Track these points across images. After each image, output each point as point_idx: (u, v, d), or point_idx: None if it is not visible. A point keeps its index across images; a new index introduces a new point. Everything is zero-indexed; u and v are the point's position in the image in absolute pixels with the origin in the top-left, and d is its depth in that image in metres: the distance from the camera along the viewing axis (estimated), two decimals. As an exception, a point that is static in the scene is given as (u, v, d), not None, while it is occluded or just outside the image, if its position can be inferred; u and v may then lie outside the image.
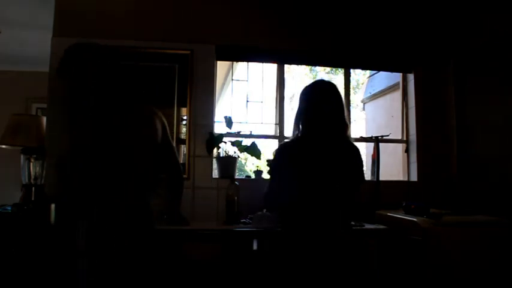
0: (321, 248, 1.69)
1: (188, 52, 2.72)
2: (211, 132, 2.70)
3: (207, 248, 2.11)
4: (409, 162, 3.09)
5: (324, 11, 2.95)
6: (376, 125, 4.83)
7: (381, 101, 4.91)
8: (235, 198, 2.42)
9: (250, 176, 3.03)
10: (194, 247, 2.09)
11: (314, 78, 7.92)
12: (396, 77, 3.39)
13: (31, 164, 2.45)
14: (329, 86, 1.89)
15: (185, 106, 2.71)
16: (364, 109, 5.75)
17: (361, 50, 3.00)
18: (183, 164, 2.63)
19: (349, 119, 2.67)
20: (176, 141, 2.68)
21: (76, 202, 1.51)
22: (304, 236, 1.72)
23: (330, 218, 1.75)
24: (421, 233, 2.14)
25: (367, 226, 2.32)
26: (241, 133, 2.83)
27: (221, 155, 2.73)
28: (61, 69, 1.60)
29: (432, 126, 3.04)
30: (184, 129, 2.73)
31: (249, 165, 5.65)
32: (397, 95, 3.36)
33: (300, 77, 8.11)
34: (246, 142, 2.75)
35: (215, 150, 2.73)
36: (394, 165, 3.35)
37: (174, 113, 2.70)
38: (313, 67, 7.17)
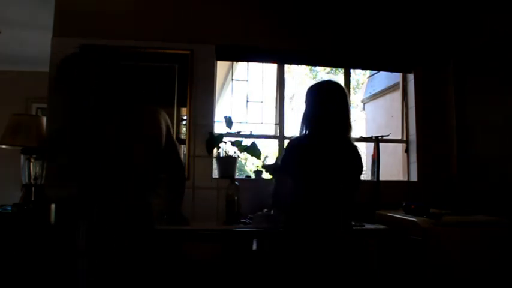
0: (325, 248, 1.70)
1: (188, 52, 2.72)
2: (211, 132, 2.70)
3: (207, 248, 2.11)
4: (409, 162, 3.09)
5: (324, 11, 2.95)
6: (376, 125, 4.83)
7: (380, 101, 4.91)
8: (235, 198, 2.42)
9: (250, 176, 3.03)
10: (194, 247, 2.09)
11: (314, 78, 7.93)
12: (396, 77, 3.39)
13: (31, 164, 2.45)
14: (335, 87, 1.90)
15: (185, 106, 2.71)
16: (364, 109, 5.76)
17: (361, 50, 3.00)
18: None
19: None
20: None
21: (76, 202, 1.51)
22: (313, 236, 1.72)
23: (334, 218, 1.76)
24: (421, 233, 2.14)
25: (367, 226, 2.32)
26: (241, 133, 2.83)
27: (221, 155, 2.73)
28: (62, 70, 1.60)
29: (432, 126, 3.04)
30: (184, 129, 2.73)
31: (249, 165, 5.64)
32: (397, 95, 3.37)
33: (300, 77, 8.12)
34: (246, 142, 2.75)
35: (215, 150, 2.73)
36: (394, 165, 3.35)
37: (174, 113, 2.70)
38: (313, 67, 7.18)
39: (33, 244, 1.99)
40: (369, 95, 5.27)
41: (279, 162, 1.95)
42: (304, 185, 1.76)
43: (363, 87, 6.23)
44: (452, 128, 3.05)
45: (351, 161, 1.82)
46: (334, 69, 6.14)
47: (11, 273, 1.96)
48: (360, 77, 6.96)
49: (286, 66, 3.04)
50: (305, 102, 1.92)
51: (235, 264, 2.09)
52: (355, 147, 1.86)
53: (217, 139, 2.67)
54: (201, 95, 2.73)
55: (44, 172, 2.44)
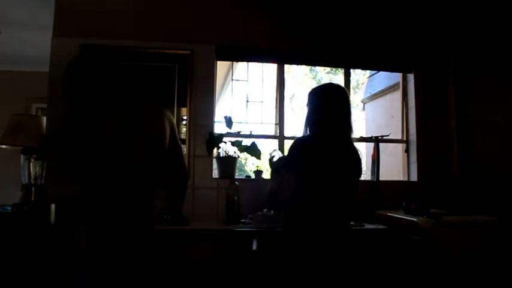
0: (326, 248, 1.70)
1: (188, 52, 2.72)
2: (211, 132, 2.70)
3: (207, 248, 2.11)
4: (409, 162, 3.09)
5: (324, 11, 2.95)
6: (376, 125, 4.83)
7: (381, 101, 4.91)
8: (235, 198, 2.42)
9: (250, 176, 3.03)
10: (194, 247, 2.09)
11: (314, 78, 7.93)
12: (396, 77, 3.39)
13: (31, 164, 2.45)
14: (337, 89, 1.91)
15: (185, 106, 2.71)
16: (364, 109, 5.76)
17: (361, 50, 3.00)
18: (183, 164, 2.63)
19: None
20: (176, 141, 2.68)
21: (76, 202, 1.51)
22: (314, 236, 1.72)
23: (336, 219, 1.77)
24: (421, 233, 2.14)
25: (367, 226, 2.33)
26: (241, 133, 2.83)
27: (221, 155, 2.73)
28: (72, 72, 1.60)
29: (432, 126, 3.04)
30: (184, 129, 2.73)
31: (249, 165, 5.64)
32: (397, 95, 3.37)
33: (300, 77, 8.11)
34: (246, 142, 2.75)
35: (215, 150, 2.73)
36: (394, 165, 3.35)
37: (174, 113, 2.70)
38: (313, 67, 7.18)
39: (33, 244, 1.99)
40: (369, 95, 5.27)
41: (283, 161, 1.95)
42: (307, 185, 1.76)
43: (363, 87, 6.23)
44: (452, 128, 3.05)
45: (353, 164, 1.84)
46: (334, 69, 6.14)
47: (11, 273, 1.96)
48: (360, 77, 6.96)
49: (286, 66, 3.04)
50: (307, 105, 1.93)
51: (235, 264, 2.09)
52: (357, 151, 1.87)
53: (217, 139, 2.67)
54: (201, 95, 2.72)
55: (44, 172, 2.44)
